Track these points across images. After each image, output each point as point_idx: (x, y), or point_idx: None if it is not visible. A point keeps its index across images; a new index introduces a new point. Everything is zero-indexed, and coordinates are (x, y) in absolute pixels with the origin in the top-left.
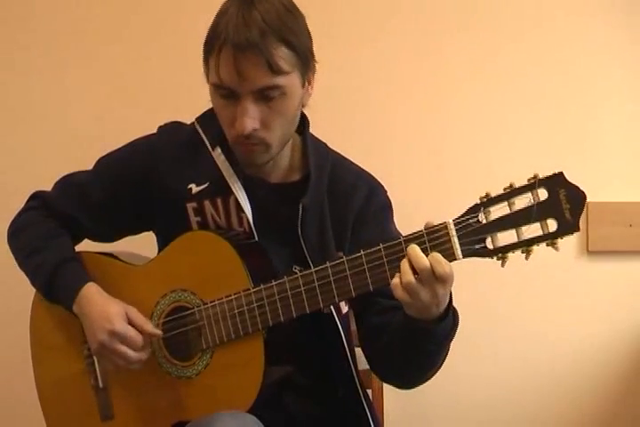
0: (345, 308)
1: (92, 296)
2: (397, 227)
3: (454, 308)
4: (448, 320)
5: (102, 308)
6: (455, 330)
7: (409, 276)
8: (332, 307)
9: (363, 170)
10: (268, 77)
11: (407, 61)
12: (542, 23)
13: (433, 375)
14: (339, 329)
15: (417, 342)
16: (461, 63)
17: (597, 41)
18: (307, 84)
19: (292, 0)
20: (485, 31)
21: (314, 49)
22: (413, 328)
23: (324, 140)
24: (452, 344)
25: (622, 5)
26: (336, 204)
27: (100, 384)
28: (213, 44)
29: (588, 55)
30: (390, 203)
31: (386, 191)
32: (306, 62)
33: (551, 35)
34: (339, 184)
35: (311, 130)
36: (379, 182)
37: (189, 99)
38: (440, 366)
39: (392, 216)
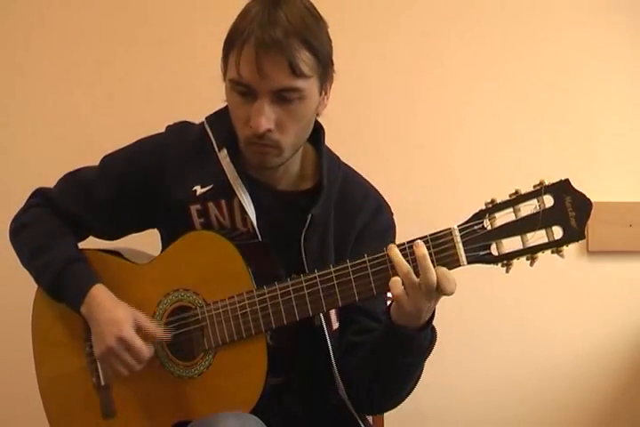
0: (336, 324)
1: (101, 299)
2: (404, 232)
3: (433, 326)
4: (427, 332)
5: (111, 313)
6: (432, 347)
7: (412, 276)
8: (323, 321)
9: (372, 187)
10: (289, 79)
11: (413, 68)
12: (547, 29)
13: (401, 400)
14: (327, 344)
15: (394, 354)
16: (467, 69)
17: (599, 45)
18: (323, 92)
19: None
20: (490, 37)
21: None
22: (395, 337)
23: (331, 148)
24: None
25: (625, 10)
26: (341, 218)
27: (102, 382)
28: (235, 40)
29: (588, 58)
30: (394, 224)
31: (392, 212)
32: (326, 69)
33: (555, 40)
34: (347, 199)
35: None
36: (386, 203)
37: (197, 98)
38: (410, 391)
39: (394, 238)
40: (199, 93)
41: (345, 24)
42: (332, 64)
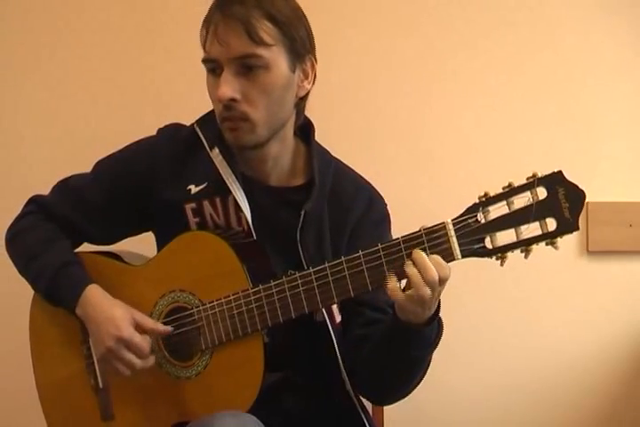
0: (339, 317)
1: (96, 299)
2: (397, 226)
3: (440, 317)
4: (434, 325)
5: (108, 312)
6: (439, 339)
7: (422, 286)
8: (325, 316)
9: (364, 180)
10: (248, 45)
11: (405, 61)
12: (544, 23)
13: (410, 391)
14: (332, 337)
15: (402, 348)
16: (462, 63)
17: (598, 41)
18: (299, 72)
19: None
20: (485, 30)
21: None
22: (401, 332)
23: (321, 142)
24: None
25: (625, 14)
26: (335, 212)
27: (100, 385)
28: (204, 25)
29: (588, 55)
30: (389, 215)
31: (385, 204)
32: (294, 44)
33: (553, 35)
34: (340, 193)
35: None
36: (379, 194)
37: (190, 102)
38: (419, 382)
39: (389, 229)
40: (190, 96)
41: (352, 27)
42: (308, 47)
